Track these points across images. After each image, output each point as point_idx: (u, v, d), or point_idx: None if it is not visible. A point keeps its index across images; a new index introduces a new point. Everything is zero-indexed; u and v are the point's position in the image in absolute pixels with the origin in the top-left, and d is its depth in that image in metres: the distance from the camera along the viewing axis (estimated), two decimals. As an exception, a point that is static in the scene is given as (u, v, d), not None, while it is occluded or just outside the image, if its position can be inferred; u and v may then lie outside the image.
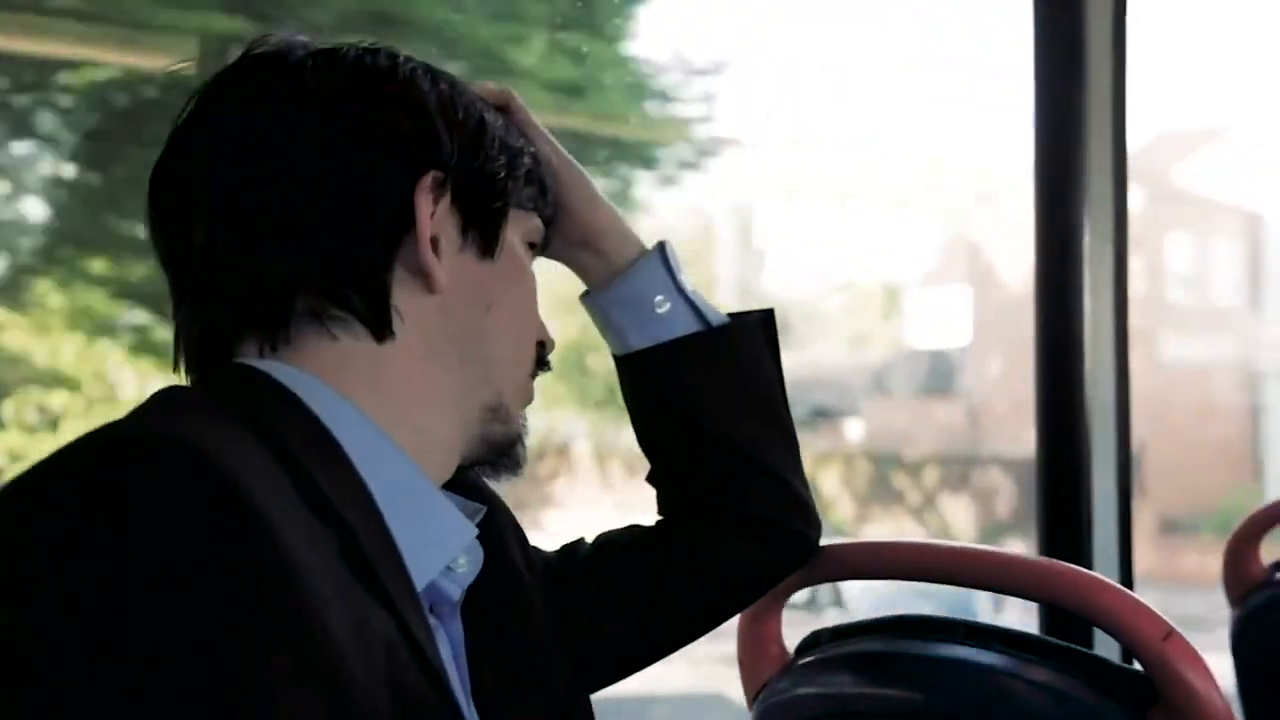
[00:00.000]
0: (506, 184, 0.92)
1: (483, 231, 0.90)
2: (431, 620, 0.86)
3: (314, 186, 0.83)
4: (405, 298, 0.87)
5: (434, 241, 0.87)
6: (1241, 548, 1.76)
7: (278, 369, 0.83)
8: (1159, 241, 18.08)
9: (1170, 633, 0.94)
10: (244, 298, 0.84)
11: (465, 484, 0.97)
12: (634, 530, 1.12)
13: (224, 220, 0.84)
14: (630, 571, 1.09)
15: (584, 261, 1.09)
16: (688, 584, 1.09)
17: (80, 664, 0.61)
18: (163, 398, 0.80)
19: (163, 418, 0.74)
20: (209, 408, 0.78)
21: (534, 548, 1.07)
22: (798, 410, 1.12)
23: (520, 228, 0.95)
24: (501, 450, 0.94)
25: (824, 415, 15.48)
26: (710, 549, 1.09)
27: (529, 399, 0.97)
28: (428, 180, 0.86)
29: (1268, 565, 1.76)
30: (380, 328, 0.85)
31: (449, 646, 0.89)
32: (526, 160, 0.95)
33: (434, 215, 0.86)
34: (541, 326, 0.98)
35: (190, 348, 0.87)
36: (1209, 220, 18.88)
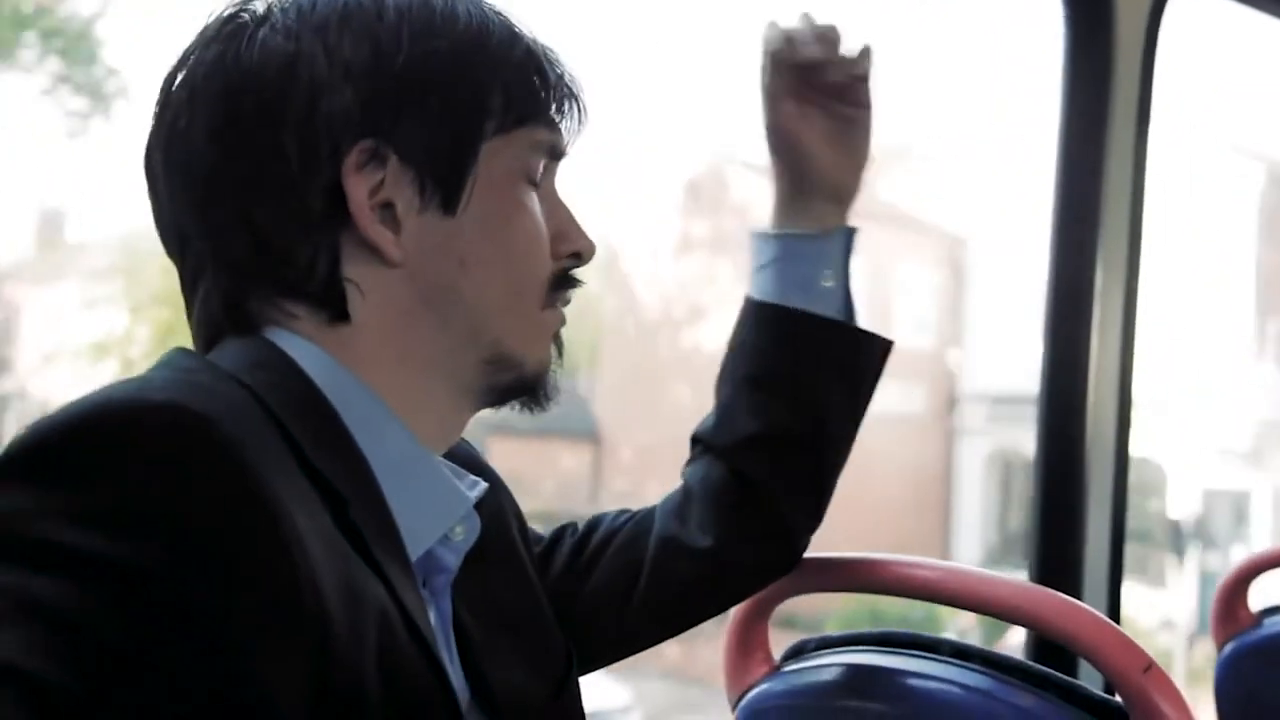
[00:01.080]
0: (470, 123, 0.87)
1: (443, 185, 0.86)
2: (424, 593, 0.88)
3: (249, 174, 0.83)
4: (366, 273, 0.85)
5: (389, 207, 0.84)
6: (1231, 592, 1.78)
7: (280, 336, 0.85)
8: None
9: (1150, 665, 0.96)
10: (219, 281, 0.86)
11: (465, 457, 0.98)
12: (624, 517, 1.14)
13: (187, 215, 0.85)
14: (616, 561, 1.10)
15: (811, 207, 1.10)
16: (672, 579, 1.10)
17: (83, 607, 0.64)
18: (170, 361, 0.82)
19: (168, 383, 0.75)
20: (213, 373, 0.80)
21: (530, 528, 1.08)
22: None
23: (509, 153, 0.89)
24: (520, 392, 0.92)
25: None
26: (701, 545, 1.09)
27: (549, 329, 0.93)
28: (353, 156, 0.83)
29: (1255, 611, 1.77)
30: (333, 310, 0.85)
31: (440, 620, 0.90)
32: (507, 74, 0.88)
33: (384, 181, 0.84)
34: (564, 239, 0.93)
35: (195, 320, 0.88)
36: (901, 243, 15.32)
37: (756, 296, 1.11)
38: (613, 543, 1.11)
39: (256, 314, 0.85)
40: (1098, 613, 0.98)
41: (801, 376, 1.09)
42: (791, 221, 1.11)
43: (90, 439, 0.68)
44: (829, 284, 1.09)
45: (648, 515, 1.13)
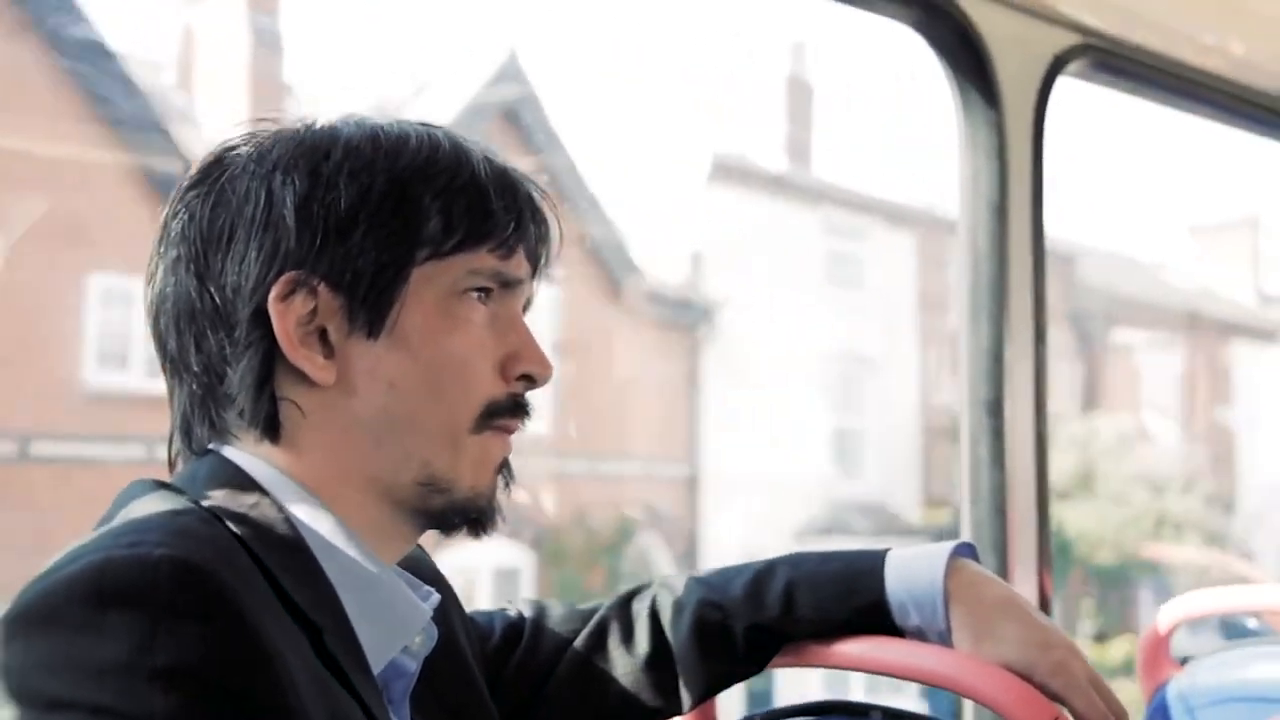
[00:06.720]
0: (397, 251, 0.92)
1: (368, 311, 0.92)
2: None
3: (202, 305, 0.92)
4: (302, 394, 0.92)
5: (322, 333, 0.92)
6: (1154, 643, 1.86)
7: (245, 460, 0.92)
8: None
9: (1057, 717, 1.04)
10: (183, 398, 0.95)
11: (417, 563, 1.05)
12: (570, 625, 1.21)
13: (169, 338, 0.95)
14: (574, 684, 1.17)
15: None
16: (632, 692, 1.17)
17: None
18: (146, 502, 0.88)
19: (159, 534, 0.80)
20: (193, 515, 0.86)
21: (468, 617, 1.15)
22: None
23: (445, 278, 0.94)
24: (456, 517, 0.96)
25: None
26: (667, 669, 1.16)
27: (485, 455, 0.96)
28: (277, 287, 0.91)
29: (1178, 659, 1.86)
30: (263, 428, 0.92)
31: None
32: (448, 200, 0.93)
33: (317, 309, 0.91)
34: (516, 361, 0.97)
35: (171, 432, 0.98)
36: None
37: (890, 564, 1.12)
38: (565, 658, 1.18)
39: (214, 429, 0.94)
40: (1007, 672, 1.06)
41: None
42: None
43: (97, 596, 0.74)
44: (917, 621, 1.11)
45: (597, 631, 1.19)
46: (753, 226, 13.70)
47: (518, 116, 11.31)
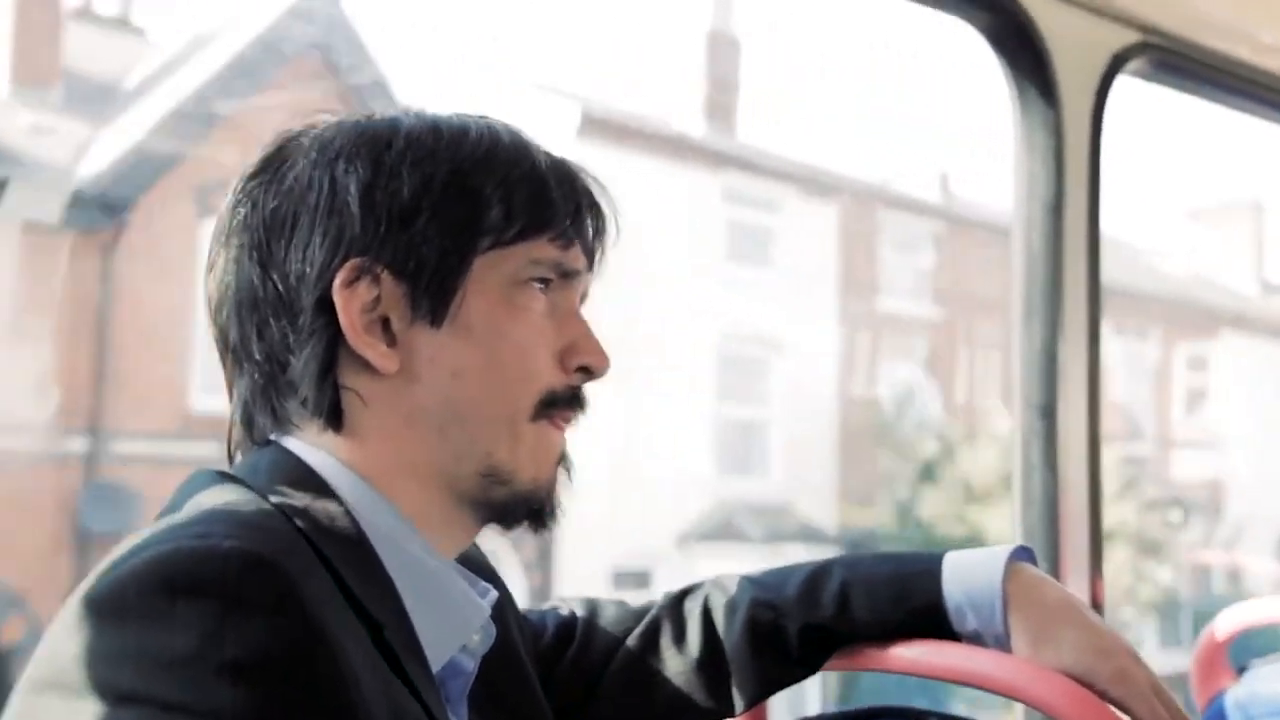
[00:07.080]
0: (460, 240, 0.93)
1: (430, 299, 0.93)
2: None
3: (266, 293, 0.92)
4: (365, 383, 0.92)
5: (385, 322, 0.92)
6: (1211, 651, 1.83)
7: (306, 452, 0.92)
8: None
9: (1117, 726, 1.02)
10: (243, 386, 0.95)
11: (473, 561, 1.05)
12: (623, 623, 1.19)
13: (231, 327, 0.95)
14: (626, 678, 1.16)
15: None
16: (685, 693, 1.15)
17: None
18: (212, 494, 0.88)
19: (226, 526, 0.80)
20: (257, 508, 0.86)
21: (522, 615, 1.15)
22: None
23: (507, 266, 0.94)
24: (518, 509, 0.96)
25: None
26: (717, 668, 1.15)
27: (544, 446, 0.97)
28: (342, 273, 0.91)
29: (1235, 668, 1.83)
30: (326, 416, 0.92)
31: None
32: (510, 190, 0.94)
33: (380, 297, 0.92)
34: (574, 353, 0.98)
35: (230, 422, 0.98)
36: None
37: (947, 566, 1.11)
38: (617, 657, 1.17)
39: (276, 418, 0.94)
40: (1067, 679, 1.04)
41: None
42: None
43: (167, 586, 0.74)
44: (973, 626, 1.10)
45: (650, 631, 1.18)
46: (640, 192, 11.89)
47: (330, 53, 9.72)
